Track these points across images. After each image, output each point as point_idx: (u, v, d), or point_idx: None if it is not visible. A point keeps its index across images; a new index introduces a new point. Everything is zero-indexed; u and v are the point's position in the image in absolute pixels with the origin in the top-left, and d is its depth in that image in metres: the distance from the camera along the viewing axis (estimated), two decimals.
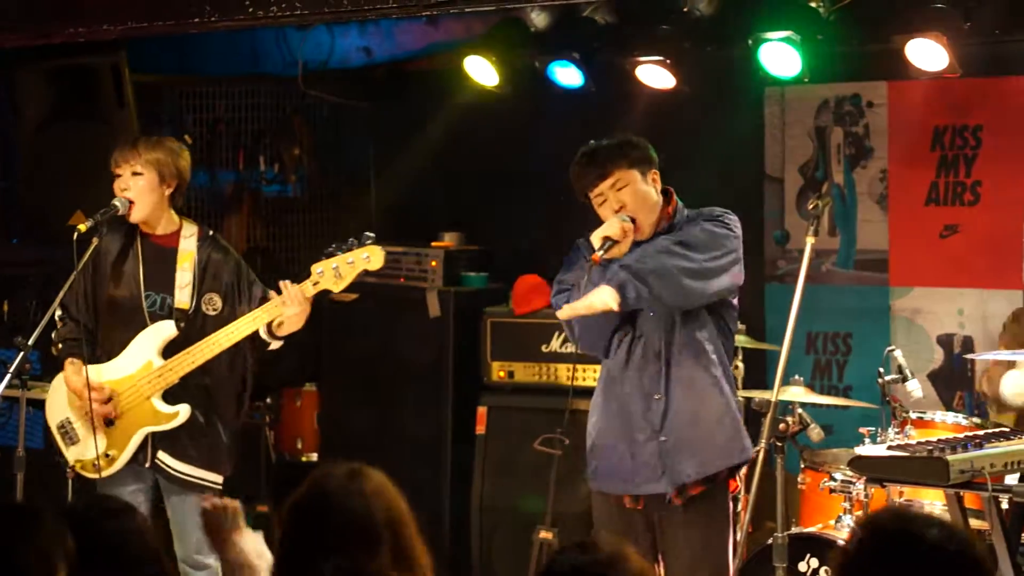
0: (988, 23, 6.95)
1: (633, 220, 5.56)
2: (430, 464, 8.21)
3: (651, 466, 5.67)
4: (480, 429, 8.05)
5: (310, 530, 3.41)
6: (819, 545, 6.38)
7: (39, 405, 6.95)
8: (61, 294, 6.20)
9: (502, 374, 8.06)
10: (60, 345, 6.43)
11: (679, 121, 8.01)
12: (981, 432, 5.89)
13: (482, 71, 7.84)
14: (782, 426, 5.47)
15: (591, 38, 7.67)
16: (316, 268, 6.16)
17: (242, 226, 8.84)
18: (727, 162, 8.03)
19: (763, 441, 5.42)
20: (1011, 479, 5.49)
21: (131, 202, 6.27)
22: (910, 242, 7.89)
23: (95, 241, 6.18)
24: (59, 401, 6.46)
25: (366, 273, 6.23)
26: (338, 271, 6.12)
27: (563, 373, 7.84)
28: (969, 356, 7.52)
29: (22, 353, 6.11)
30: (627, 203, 5.58)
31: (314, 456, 8.60)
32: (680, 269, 5.48)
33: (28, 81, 7.77)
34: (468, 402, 8.10)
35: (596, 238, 5.51)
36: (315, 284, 6.16)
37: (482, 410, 8.04)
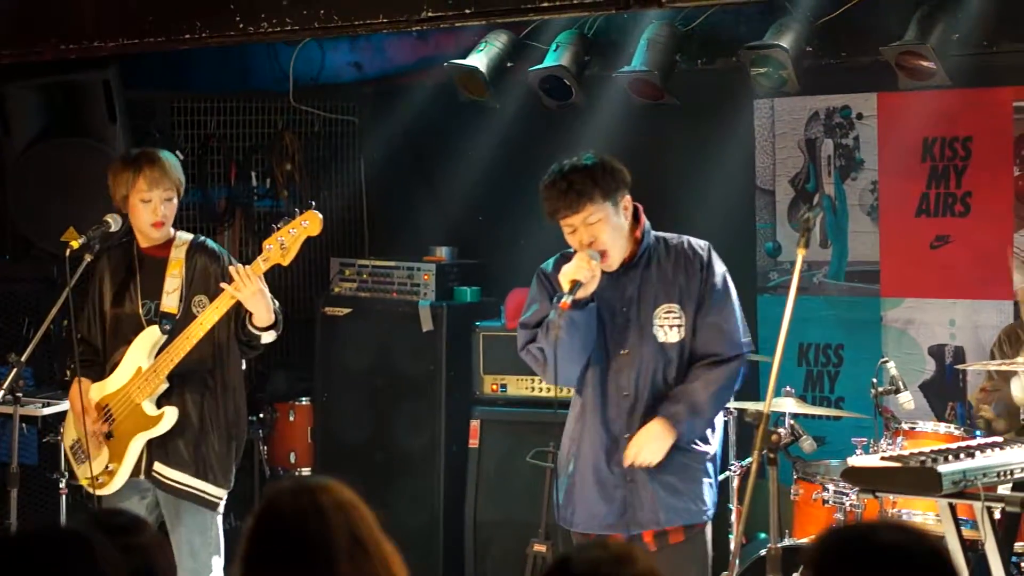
0: (977, 34, 6.97)
1: (602, 252, 5.55)
2: (423, 477, 8.21)
3: (616, 508, 5.67)
4: (473, 442, 8.06)
5: (263, 548, 3.40)
6: None
7: (33, 422, 6.96)
8: (54, 311, 6.21)
9: (495, 387, 8.07)
10: (72, 366, 6.51)
11: (670, 134, 8.04)
12: (973, 442, 5.90)
13: (473, 85, 7.86)
14: (774, 437, 5.46)
15: (582, 51, 7.70)
16: (266, 244, 6.23)
17: (234, 241, 8.85)
18: (718, 174, 8.04)
19: (755, 452, 5.42)
20: (1003, 489, 5.50)
21: (161, 223, 6.36)
22: (901, 253, 7.90)
23: (87, 257, 6.19)
24: (71, 422, 6.51)
25: (309, 239, 6.29)
26: (283, 243, 6.19)
27: (555, 386, 7.84)
28: (961, 367, 7.53)
29: (15, 370, 6.12)
30: (598, 237, 5.54)
31: (307, 470, 8.59)
32: (728, 384, 5.71)
33: (19, 96, 7.78)
34: (461, 415, 8.11)
35: (564, 280, 5.47)
36: (265, 260, 6.22)
37: (475, 423, 8.05)
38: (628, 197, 5.62)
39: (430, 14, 5.72)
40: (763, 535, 7.09)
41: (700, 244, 5.76)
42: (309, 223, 6.23)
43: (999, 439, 5.92)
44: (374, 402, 8.40)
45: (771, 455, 5.47)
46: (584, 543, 3.32)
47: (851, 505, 6.45)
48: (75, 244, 6.17)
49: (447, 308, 8.24)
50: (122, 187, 6.37)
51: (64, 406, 7.29)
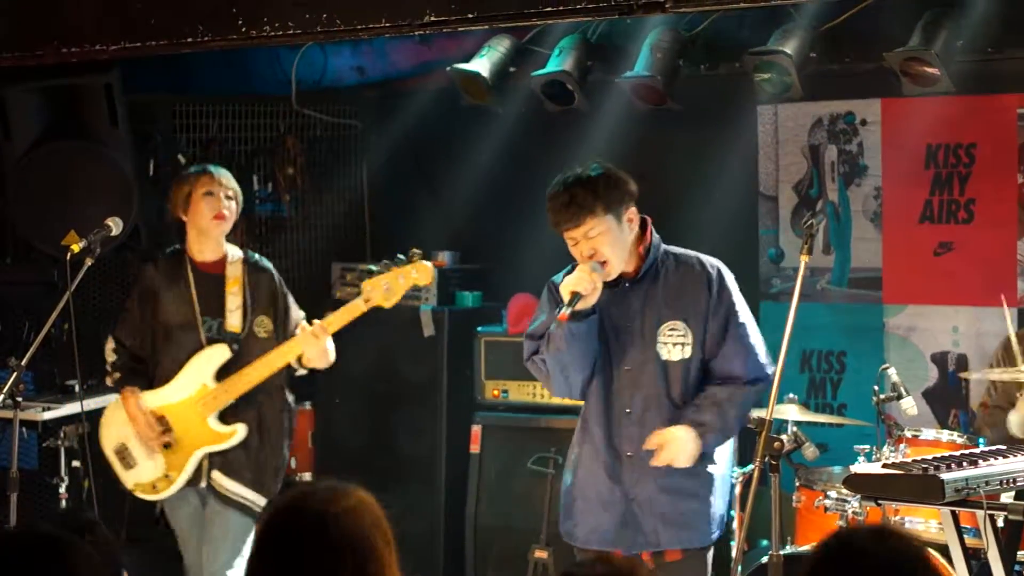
0: (981, 41, 6.95)
1: (603, 263, 5.53)
2: (424, 483, 8.19)
3: (615, 524, 5.64)
4: (474, 448, 8.04)
5: (272, 542, 3.41)
6: None
7: (33, 426, 6.96)
8: (54, 315, 6.22)
9: (496, 393, 8.05)
10: (117, 375, 6.66)
11: (672, 140, 8.01)
12: (976, 450, 5.88)
13: (475, 89, 7.84)
14: (777, 444, 5.45)
15: (584, 56, 7.68)
16: (366, 286, 6.49)
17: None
18: (721, 180, 8.03)
19: (758, 459, 5.41)
20: (1006, 497, 5.48)
21: (223, 216, 6.64)
22: (904, 260, 7.88)
23: (88, 261, 6.22)
24: (115, 427, 6.66)
25: (415, 288, 6.62)
26: (389, 288, 6.45)
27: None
28: (964, 374, 7.50)
29: (15, 374, 6.11)
30: (599, 250, 5.52)
31: (308, 475, 8.58)
32: (749, 407, 5.69)
33: (20, 100, 7.75)
34: (462, 421, 8.10)
35: (564, 292, 5.47)
36: (366, 301, 6.48)
37: (476, 429, 8.04)
38: (633, 209, 5.60)
39: (433, 18, 5.70)
40: (765, 542, 7.07)
41: (711, 261, 5.74)
42: (419, 274, 6.52)
43: (1002, 447, 5.90)
44: (375, 407, 8.39)
45: (773, 462, 5.45)
46: (586, 558, 3.31)
47: (853, 512, 6.43)
48: (76, 248, 6.21)
49: (448, 313, 8.23)
50: (185, 187, 6.64)
51: (64, 410, 7.32)
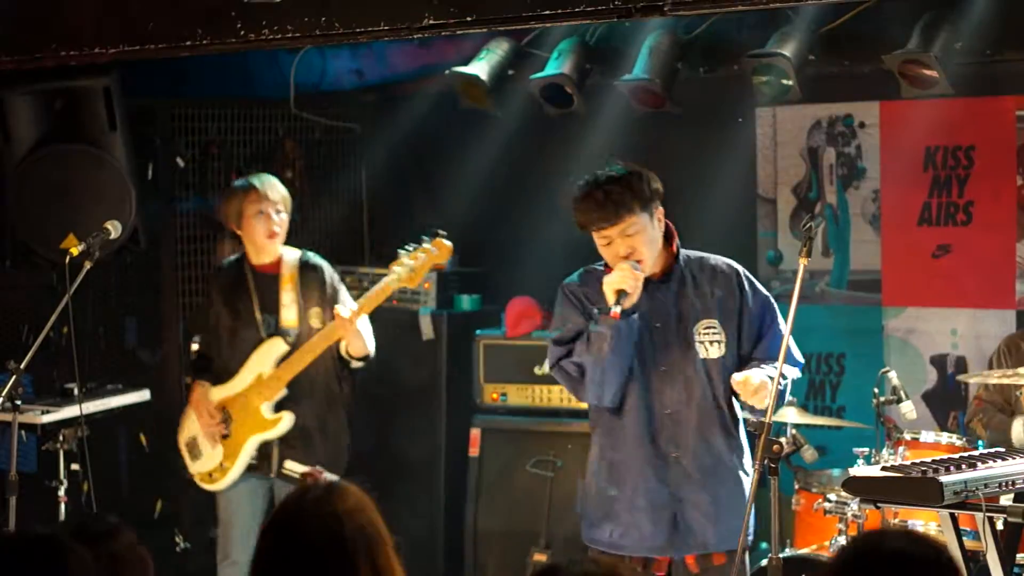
0: (980, 43, 6.95)
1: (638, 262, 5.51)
2: (424, 486, 8.20)
3: (664, 529, 5.61)
4: (473, 451, 8.04)
5: (284, 549, 3.42)
6: (813, 567, 6.37)
7: (32, 429, 6.98)
8: (53, 318, 6.22)
9: (495, 396, 8.05)
10: (192, 372, 7.21)
11: (671, 142, 8.01)
12: (976, 452, 5.87)
13: (474, 93, 7.84)
14: (776, 447, 5.44)
15: (583, 59, 7.68)
16: (393, 268, 6.77)
17: (235, 248, 8.83)
18: (720, 183, 8.03)
19: (757, 462, 5.40)
20: (1005, 500, 5.48)
21: (275, 233, 6.99)
22: (903, 262, 7.88)
23: (87, 264, 6.22)
24: (189, 422, 7.11)
25: (435, 266, 6.92)
26: (412, 268, 6.73)
27: (556, 395, 7.83)
28: (962, 377, 7.50)
29: (14, 377, 6.11)
30: (635, 248, 5.50)
31: None
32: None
33: (18, 103, 7.74)
34: (461, 424, 8.10)
35: (609, 291, 5.43)
36: (396, 281, 6.76)
37: (475, 432, 8.04)
38: (661, 208, 5.58)
39: (431, 22, 5.69)
40: (764, 545, 7.07)
41: (732, 262, 5.75)
42: (438, 251, 6.80)
43: (1001, 450, 5.90)
44: (375, 410, 8.38)
45: (772, 465, 5.44)
46: (576, 558, 3.31)
47: (852, 515, 6.42)
48: (75, 251, 6.24)
49: (448, 316, 8.24)
50: (235, 202, 7.00)
51: (63, 414, 7.33)
